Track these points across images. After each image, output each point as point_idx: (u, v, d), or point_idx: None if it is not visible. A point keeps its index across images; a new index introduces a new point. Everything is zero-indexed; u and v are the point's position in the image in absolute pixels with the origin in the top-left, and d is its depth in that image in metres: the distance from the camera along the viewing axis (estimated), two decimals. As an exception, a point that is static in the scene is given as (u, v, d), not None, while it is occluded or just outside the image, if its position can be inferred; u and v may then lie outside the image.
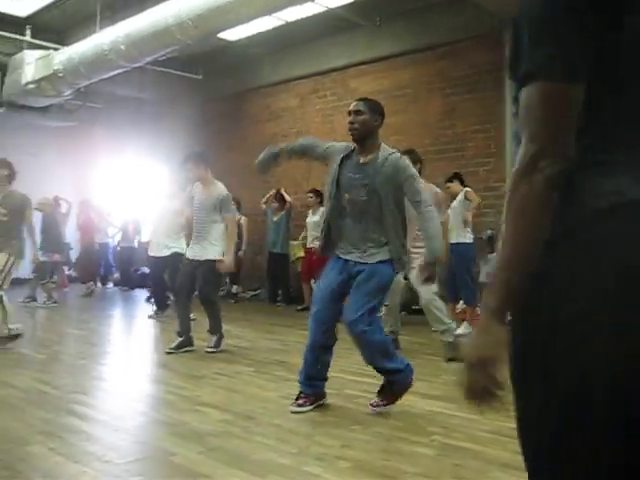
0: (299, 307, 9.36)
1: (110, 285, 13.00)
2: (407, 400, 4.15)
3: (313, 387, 3.95)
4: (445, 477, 2.79)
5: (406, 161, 3.85)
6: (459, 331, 6.85)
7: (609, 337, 1.03)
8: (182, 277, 5.98)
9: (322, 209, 9.21)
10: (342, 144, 3.99)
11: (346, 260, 3.88)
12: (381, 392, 3.94)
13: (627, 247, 1.04)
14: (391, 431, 3.48)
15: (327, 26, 9.84)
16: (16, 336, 5.97)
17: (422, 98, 9.37)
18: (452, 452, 3.13)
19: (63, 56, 8.96)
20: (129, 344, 7.08)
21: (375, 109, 3.80)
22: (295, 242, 10.37)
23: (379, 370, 3.89)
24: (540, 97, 1.13)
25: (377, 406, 3.91)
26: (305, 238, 9.81)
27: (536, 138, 1.12)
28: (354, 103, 3.84)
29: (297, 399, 3.93)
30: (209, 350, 5.92)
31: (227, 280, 11.45)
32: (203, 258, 5.82)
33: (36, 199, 7.27)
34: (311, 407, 3.90)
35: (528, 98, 1.15)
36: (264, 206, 10.40)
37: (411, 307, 8.75)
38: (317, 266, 9.11)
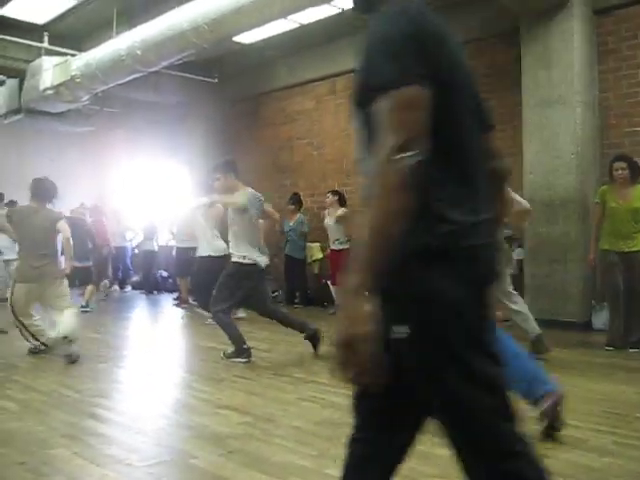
0: (332, 311, 8.99)
1: (129, 288, 13.08)
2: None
3: None
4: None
5: None
6: None
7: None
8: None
9: (341, 210, 9.30)
10: None
11: None
12: None
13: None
14: (411, 433, 3.47)
15: (342, 28, 9.83)
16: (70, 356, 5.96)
17: (438, 98, 9.34)
18: (473, 454, 3.12)
19: (80, 62, 9.04)
20: (149, 347, 7.11)
21: None
22: (313, 244, 10.38)
23: None
24: (397, 100, 1.37)
25: None
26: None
27: (398, 134, 1.34)
28: None
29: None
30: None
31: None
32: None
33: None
34: None
35: (387, 104, 1.38)
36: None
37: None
38: (339, 267, 9.13)
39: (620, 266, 6.13)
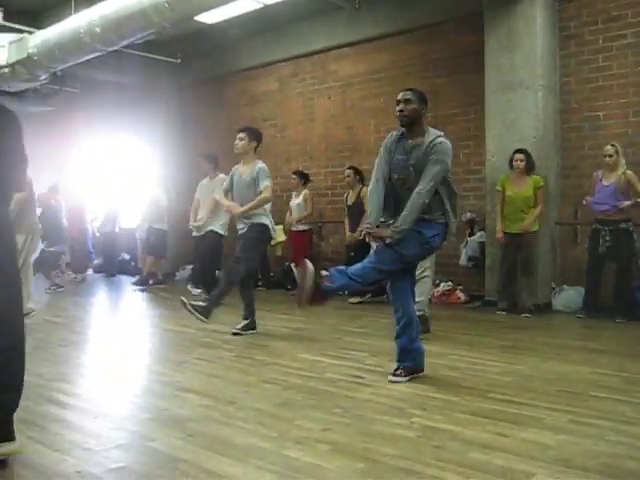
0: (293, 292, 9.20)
1: (90, 272, 12.89)
2: (387, 383, 4.18)
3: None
4: (425, 458, 2.81)
5: (446, 146, 4.13)
6: None
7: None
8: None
9: (305, 191, 9.28)
10: (390, 136, 4.37)
11: None
12: None
13: None
14: (372, 414, 3.50)
15: (307, 9, 9.76)
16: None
17: (402, 81, 9.30)
18: (432, 434, 3.16)
19: (38, 39, 8.79)
20: (111, 331, 7.04)
21: (423, 99, 4.30)
22: (276, 227, 10.32)
23: None
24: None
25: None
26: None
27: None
28: (404, 92, 4.29)
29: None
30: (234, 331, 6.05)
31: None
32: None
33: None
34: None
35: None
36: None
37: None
38: (300, 249, 9.14)
39: (512, 246, 7.21)
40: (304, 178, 9.44)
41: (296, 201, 9.31)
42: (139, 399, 4.01)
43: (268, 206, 6.18)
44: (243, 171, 6.10)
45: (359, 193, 8.52)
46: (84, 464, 2.79)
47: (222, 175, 7.88)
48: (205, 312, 5.85)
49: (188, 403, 3.77)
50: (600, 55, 7.48)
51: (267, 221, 6.06)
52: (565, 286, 7.51)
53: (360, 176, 8.67)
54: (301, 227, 9.26)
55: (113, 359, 5.28)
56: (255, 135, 6.19)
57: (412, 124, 4.22)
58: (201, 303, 5.96)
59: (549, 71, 7.61)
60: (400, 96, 4.29)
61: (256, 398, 3.87)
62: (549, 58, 7.61)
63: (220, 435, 3.17)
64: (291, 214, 9.41)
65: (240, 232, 6.09)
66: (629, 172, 6.68)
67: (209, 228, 8.22)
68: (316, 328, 6.49)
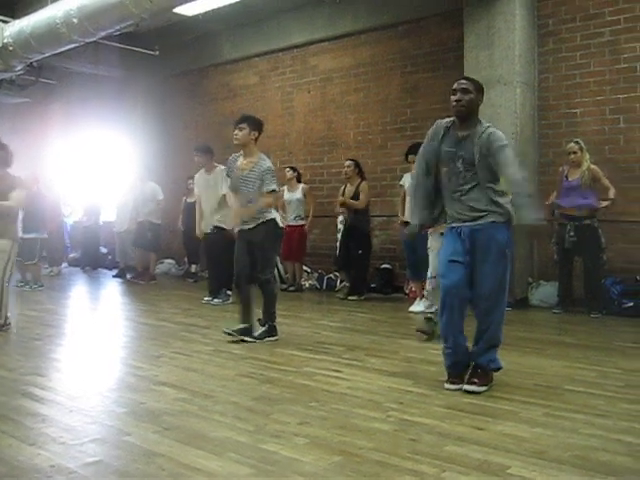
0: (284, 286, 9.20)
1: (65, 265, 12.74)
2: (364, 377, 4.19)
3: None
4: (401, 451, 2.82)
5: (501, 134, 3.91)
6: (417, 308, 6.97)
7: None
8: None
9: (302, 185, 9.23)
10: (438, 124, 4.08)
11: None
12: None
13: None
14: (348, 407, 3.50)
15: (287, 2, 9.73)
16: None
17: (383, 76, 9.35)
18: (408, 427, 3.17)
19: (13, 29, 8.67)
20: (87, 325, 6.98)
21: (480, 88, 4.02)
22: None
23: None
24: None
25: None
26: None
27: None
28: (462, 81, 3.99)
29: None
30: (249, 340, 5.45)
31: (185, 260, 11.38)
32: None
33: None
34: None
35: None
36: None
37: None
38: (297, 244, 9.13)
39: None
40: (298, 172, 9.38)
41: (295, 196, 9.19)
42: (115, 393, 3.98)
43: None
44: (244, 166, 5.55)
45: (357, 187, 8.37)
46: (59, 458, 2.77)
47: (221, 167, 7.42)
48: (269, 333, 5.49)
49: (164, 397, 3.74)
50: (578, 52, 7.54)
51: (275, 215, 5.60)
52: (542, 281, 7.58)
53: (360, 169, 8.49)
54: (300, 222, 9.19)
55: (88, 353, 5.23)
56: (256, 124, 5.66)
57: (468, 115, 3.92)
58: (261, 331, 5.49)
59: (527, 68, 7.66)
60: (456, 85, 3.97)
61: (233, 392, 3.86)
62: (527, 55, 7.66)
63: (197, 429, 3.16)
64: (285, 211, 9.17)
65: (245, 227, 5.51)
66: (593, 167, 6.77)
67: (217, 224, 7.69)
68: (294, 322, 6.48)
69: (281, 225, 5.65)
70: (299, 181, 9.35)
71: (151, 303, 7.85)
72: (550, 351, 5.09)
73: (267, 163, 5.56)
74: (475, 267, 3.83)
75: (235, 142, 5.61)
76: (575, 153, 6.80)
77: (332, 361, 4.69)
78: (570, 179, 6.86)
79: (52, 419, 3.36)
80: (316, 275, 9.65)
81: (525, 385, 4.00)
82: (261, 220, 5.45)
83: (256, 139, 5.65)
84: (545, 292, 7.46)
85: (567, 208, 6.82)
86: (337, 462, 2.71)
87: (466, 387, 3.80)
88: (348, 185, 8.52)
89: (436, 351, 4.97)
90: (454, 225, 3.95)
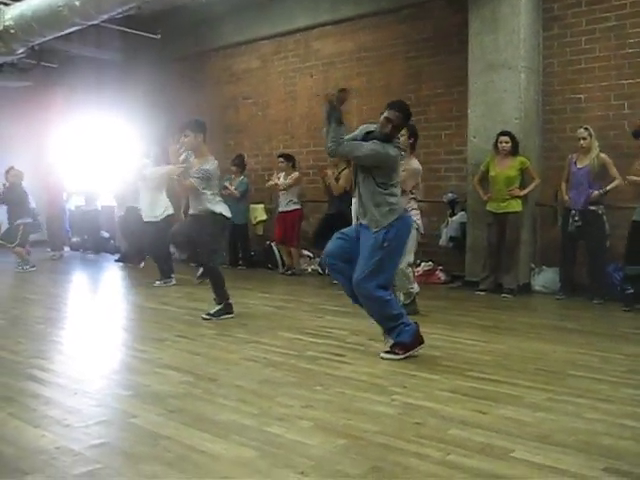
0: (281, 271, 9.42)
1: (66, 249, 12.73)
2: (367, 361, 4.20)
3: None
4: (406, 435, 2.84)
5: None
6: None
7: None
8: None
9: (295, 174, 9.22)
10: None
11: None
12: None
13: None
14: (352, 391, 3.52)
15: (289, -15, 9.64)
16: None
17: (386, 61, 9.29)
18: (412, 411, 3.18)
19: (14, 11, 8.59)
20: (89, 308, 6.99)
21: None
22: (257, 206, 10.29)
23: None
24: None
25: None
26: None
27: None
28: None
29: None
30: (205, 317, 5.74)
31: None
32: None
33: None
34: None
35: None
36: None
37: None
38: (291, 228, 9.16)
39: (496, 225, 7.30)
40: (292, 161, 9.37)
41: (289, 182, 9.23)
42: (119, 376, 4.00)
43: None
44: (194, 164, 5.86)
45: (340, 172, 8.38)
46: (64, 440, 2.78)
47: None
48: (224, 311, 5.87)
49: (169, 380, 3.76)
50: (583, 37, 7.48)
51: (214, 207, 5.83)
52: (544, 267, 7.57)
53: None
54: (293, 206, 9.20)
55: (91, 336, 5.24)
56: (198, 127, 5.83)
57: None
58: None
59: (532, 52, 7.60)
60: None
61: (237, 375, 3.87)
62: (532, 39, 7.60)
63: (201, 412, 3.17)
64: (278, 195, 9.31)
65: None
66: (602, 155, 6.74)
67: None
68: (296, 307, 6.49)
69: (224, 215, 5.82)
70: (294, 167, 9.33)
71: (153, 287, 7.86)
72: (552, 336, 5.10)
73: (207, 166, 5.78)
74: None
75: (183, 150, 5.91)
76: (584, 139, 6.77)
77: (335, 345, 4.70)
78: (579, 166, 6.84)
79: (56, 401, 3.37)
80: (318, 260, 9.64)
81: (528, 370, 4.01)
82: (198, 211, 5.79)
83: (203, 139, 5.86)
84: (547, 278, 7.45)
85: (575, 202, 6.85)
86: (342, 445, 2.72)
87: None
88: (333, 169, 8.44)
89: (437, 335, 5.00)
90: None
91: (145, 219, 8.07)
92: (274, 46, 10.69)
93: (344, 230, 4.53)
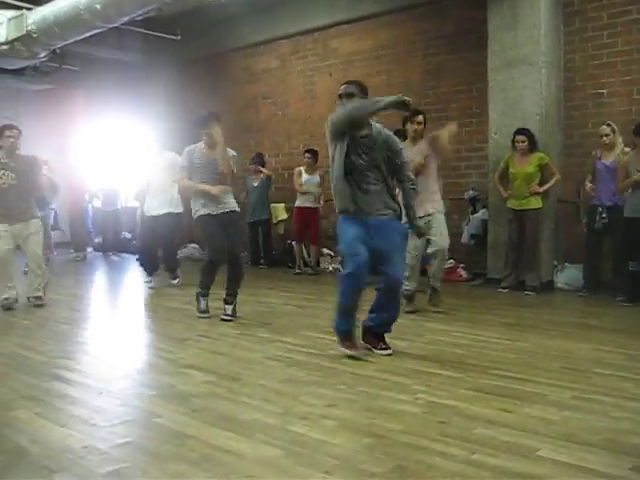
0: (297, 271, 9.34)
1: (90, 250, 12.85)
2: (390, 360, 4.19)
3: None
4: (430, 434, 2.83)
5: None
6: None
7: None
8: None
9: (320, 170, 9.22)
10: None
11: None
12: None
13: None
14: (376, 390, 3.51)
15: (307, -15, 9.65)
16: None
17: (404, 58, 9.26)
18: (437, 410, 3.17)
19: (36, 16, 8.70)
20: (113, 309, 7.05)
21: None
22: (278, 205, 10.32)
23: None
24: None
25: None
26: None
27: None
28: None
29: None
30: (224, 318, 5.69)
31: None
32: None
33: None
34: None
35: None
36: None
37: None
38: (314, 225, 9.17)
39: (516, 222, 7.26)
40: (317, 156, 9.36)
41: (314, 179, 9.23)
42: (143, 376, 4.03)
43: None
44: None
45: None
46: (90, 439, 2.81)
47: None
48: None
49: (192, 380, 3.78)
50: (605, 32, 7.40)
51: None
52: (567, 264, 7.51)
53: None
54: (317, 204, 9.21)
55: (115, 336, 5.29)
56: (218, 119, 6.23)
57: None
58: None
59: (552, 48, 7.53)
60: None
61: (260, 375, 3.88)
62: (553, 35, 7.53)
63: (225, 411, 3.19)
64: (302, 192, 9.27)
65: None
66: (627, 149, 6.66)
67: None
68: (318, 305, 6.49)
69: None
70: (316, 162, 9.34)
71: (175, 287, 7.92)
72: (576, 334, 5.05)
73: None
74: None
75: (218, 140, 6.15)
76: (607, 135, 6.69)
77: (357, 344, 4.69)
78: (605, 161, 6.76)
79: (82, 401, 3.41)
80: (339, 259, 9.64)
81: (552, 368, 3.97)
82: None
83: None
84: (570, 275, 7.39)
85: (601, 198, 6.80)
86: (367, 444, 2.72)
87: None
88: None
89: (460, 334, 4.98)
90: None
91: (161, 211, 7.91)
92: (293, 46, 10.71)
93: (356, 232, 4.21)
